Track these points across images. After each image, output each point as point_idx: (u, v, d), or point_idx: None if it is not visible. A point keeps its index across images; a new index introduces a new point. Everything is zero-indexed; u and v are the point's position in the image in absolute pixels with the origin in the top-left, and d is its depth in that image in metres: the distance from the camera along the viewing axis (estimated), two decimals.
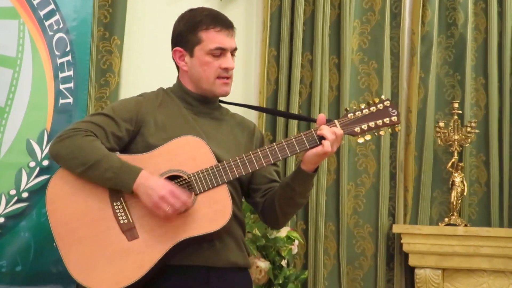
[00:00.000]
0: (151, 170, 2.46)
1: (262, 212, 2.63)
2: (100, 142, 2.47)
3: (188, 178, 2.47)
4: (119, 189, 2.44)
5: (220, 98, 2.68)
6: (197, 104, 2.62)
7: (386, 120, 2.52)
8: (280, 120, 4.28)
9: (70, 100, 3.47)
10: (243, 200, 2.72)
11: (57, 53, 3.43)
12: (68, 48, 3.47)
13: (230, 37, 2.59)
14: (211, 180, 2.45)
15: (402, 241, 4.31)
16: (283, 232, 3.92)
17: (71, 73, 3.47)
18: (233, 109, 2.80)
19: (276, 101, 4.30)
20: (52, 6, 3.42)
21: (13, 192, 3.28)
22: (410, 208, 4.42)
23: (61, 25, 3.45)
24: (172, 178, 2.49)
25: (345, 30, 4.34)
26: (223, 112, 2.69)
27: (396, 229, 4.37)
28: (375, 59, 4.43)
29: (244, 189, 2.64)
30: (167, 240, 2.42)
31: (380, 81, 4.42)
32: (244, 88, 4.31)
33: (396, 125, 2.52)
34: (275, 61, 4.32)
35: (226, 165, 2.47)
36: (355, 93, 4.42)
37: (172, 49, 2.65)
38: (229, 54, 2.59)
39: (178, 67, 2.67)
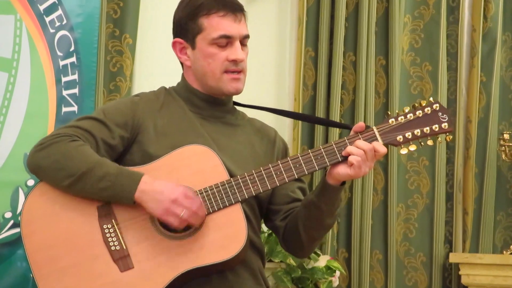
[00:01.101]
0: None
1: (283, 238, 2.46)
2: (90, 147, 2.33)
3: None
4: (118, 200, 2.29)
5: (234, 100, 2.52)
6: (206, 106, 2.46)
7: (435, 127, 2.33)
8: (319, 130, 4.24)
9: (75, 108, 3.42)
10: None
11: (59, 53, 3.37)
12: (72, 48, 3.40)
13: (238, 22, 2.40)
14: (221, 198, 2.30)
15: (460, 273, 4.20)
16: (322, 261, 3.82)
17: (75, 77, 3.41)
18: (253, 114, 2.59)
19: (313, 108, 4.25)
20: None
21: (8, 215, 3.23)
22: (469, 234, 4.33)
23: (64, 22, 3.38)
24: None
25: (394, 27, 4.26)
26: (239, 116, 2.53)
27: (453, 258, 4.25)
28: (429, 61, 4.33)
29: (263, 210, 2.47)
30: (168, 271, 2.28)
31: (434, 85, 4.33)
32: (277, 94, 4.28)
33: (448, 134, 2.35)
34: (313, 63, 4.26)
35: (240, 180, 2.31)
36: (406, 100, 4.36)
37: (172, 40, 2.50)
38: (237, 43, 2.40)
39: (181, 63, 2.51)
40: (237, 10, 2.42)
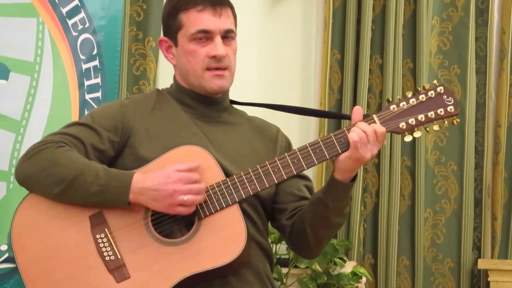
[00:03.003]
0: None
1: (290, 238, 2.42)
2: (77, 152, 2.28)
3: None
4: (112, 204, 2.24)
5: (231, 98, 2.47)
6: (198, 105, 2.41)
7: (440, 111, 2.25)
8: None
9: None
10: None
11: (82, 57, 3.36)
12: (95, 52, 3.41)
13: (217, 16, 2.34)
14: (218, 199, 2.25)
15: (489, 279, 4.17)
16: (348, 267, 3.81)
17: (98, 80, 3.42)
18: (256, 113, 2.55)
19: (340, 112, 4.23)
20: (76, 2, 3.35)
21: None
22: (499, 240, 4.27)
23: (87, 24, 3.39)
24: None
25: (422, 29, 4.23)
26: (236, 115, 2.48)
27: (482, 264, 4.22)
28: (458, 63, 4.30)
29: (267, 210, 2.42)
30: (166, 279, 2.24)
31: (463, 89, 4.29)
32: (302, 97, 4.26)
33: (454, 117, 2.27)
34: (339, 66, 4.24)
35: (236, 180, 2.26)
36: None
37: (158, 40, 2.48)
38: (218, 38, 2.34)
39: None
40: (217, 4, 2.35)
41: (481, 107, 4.28)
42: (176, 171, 2.20)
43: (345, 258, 3.88)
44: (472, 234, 4.25)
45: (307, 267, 3.74)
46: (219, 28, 2.33)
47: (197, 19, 2.33)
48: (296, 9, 4.23)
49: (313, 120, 4.16)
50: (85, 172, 2.23)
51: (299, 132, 4.10)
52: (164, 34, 2.41)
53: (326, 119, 4.16)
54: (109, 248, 2.25)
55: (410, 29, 4.23)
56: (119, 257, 2.25)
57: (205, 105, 2.40)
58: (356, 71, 4.18)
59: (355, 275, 3.76)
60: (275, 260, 3.72)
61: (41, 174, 2.25)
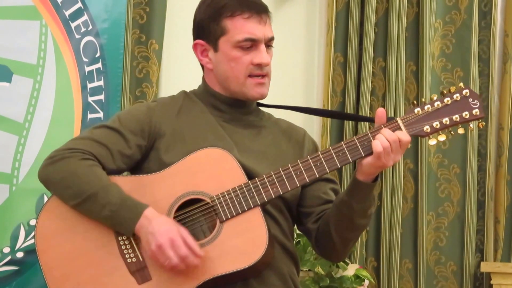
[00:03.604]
0: (165, 194, 2.30)
1: (316, 241, 2.40)
2: (101, 168, 2.29)
3: (212, 201, 2.28)
4: (119, 230, 2.26)
5: (258, 101, 2.47)
6: (228, 108, 2.40)
7: (466, 114, 2.23)
8: (349, 129, 4.19)
9: (100, 114, 3.43)
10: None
11: (85, 59, 3.36)
12: (98, 54, 3.40)
13: (263, 24, 2.34)
14: (240, 202, 2.24)
15: (492, 282, 4.15)
16: (351, 270, 3.78)
17: (101, 83, 3.42)
18: (280, 114, 2.53)
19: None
20: (79, 4, 3.35)
21: (33, 222, 3.18)
22: (501, 243, 4.25)
23: (90, 27, 3.38)
24: (191, 202, 2.31)
25: (425, 32, 4.21)
26: (263, 117, 2.47)
27: (485, 267, 4.20)
28: (461, 66, 4.29)
29: (293, 213, 2.40)
30: (188, 281, 2.23)
31: None
32: (305, 99, 4.24)
33: (479, 120, 2.26)
34: (342, 69, 4.24)
35: (258, 182, 2.25)
36: None
37: (193, 42, 2.43)
38: (262, 46, 2.34)
39: (202, 65, 2.46)
40: (262, 12, 2.35)
41: (484, 110, 4.22)
42: (180, 236, 2.21)
43: (348, 261, 3.85)
44: (475, 237, 4.22)
45: (309, 270, 3.71)
46: (265, 36, 2.34)
47: (244, 27, 2.32)
48: (299, 12, 4.22)
49: (316, 122, 4.15)
50: (99, 193, 2.24)
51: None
52: (200, 38, 2.40)
53: (328, 121, 4.14)
54: (131, 250, 2.26)
55: (413, 32, 4.22)
56: (141, 259, 2.26)
57: (234, 109, 2.40)
58: (359, 74, 4.17)
59: (358, 278, 3.74)
60: None
61: (62, 184, 2.26)
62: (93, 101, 3.36)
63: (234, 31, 2.33)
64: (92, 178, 2.26)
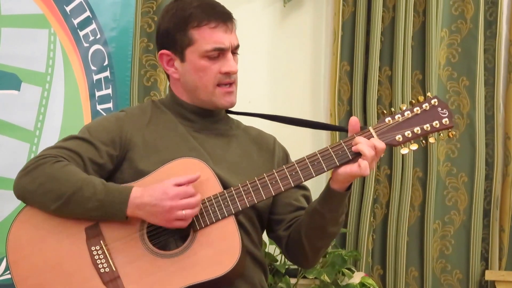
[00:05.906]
0: None
1: (286, 248, 2.40)
2: (75, 166, 2.25)
3: None
4: (110, 219, 2.23)
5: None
6: (197, 118, 2.40)
7: (436, 123, 2.24)
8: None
9: None
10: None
11: (93, 68, 3.40)
12: (106, 62, 3.44)
13: (229, 33, 2.32)
14: (214, 211, 2.24)
15: None
16: (357, 278, 3.81)
17: (109, 91, 3.45)
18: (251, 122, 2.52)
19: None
20: (87, 13, 3.38)
21: None
22: (506, 252, 4.23)
23: (98, 36, 3.41)
24: None
25: (431, 41, 4.19)
26: (233, 125, 2.46)
27: (489, 275, 4.19)
28: (466, 75, 4.26)
29: (263, 221, 2.40)
30: None
31: (471, 101, 4.26)
32: (312, 109, 4.23)
33: (450, 129, 2.27)
34: (348, 78, 4.21)
35: (233, 191, 2.25)
36: None
37: (157, 52, 2.39)
38: (230, 55, 2.33)
39: (168, 75, 2.41)
40: (228, 20, 2.33)
41: (490, 120, 4.25)
42: (173, 185, 2.19)
43: (354, 269, 3.85)
44: (480, 245, 4.20)
45: (315, 278, 3.70)
46: (232, 44, 2.32)
47: (211, 37, 2.30)
48: (306, 21, 4.21)
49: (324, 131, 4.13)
50: (83, 187, 2.21)
51: (312, 141, 4.08)
52: (165, 47, 2.36)
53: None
54: (104, 261, 2.23)
55: (419, 41, 4.21)
56: (114, 269, 2.23)
57: (203, 118, 2.38)
58: (365, 83, 4.16)
59: (364, 286, 3.74)
60: (283, 271, 3.72)
61: (40, 190, 2.22)
62: (101, 109, 3.38)
63: (201, 41, 2.30)
64: (70, 176, 2.22)
